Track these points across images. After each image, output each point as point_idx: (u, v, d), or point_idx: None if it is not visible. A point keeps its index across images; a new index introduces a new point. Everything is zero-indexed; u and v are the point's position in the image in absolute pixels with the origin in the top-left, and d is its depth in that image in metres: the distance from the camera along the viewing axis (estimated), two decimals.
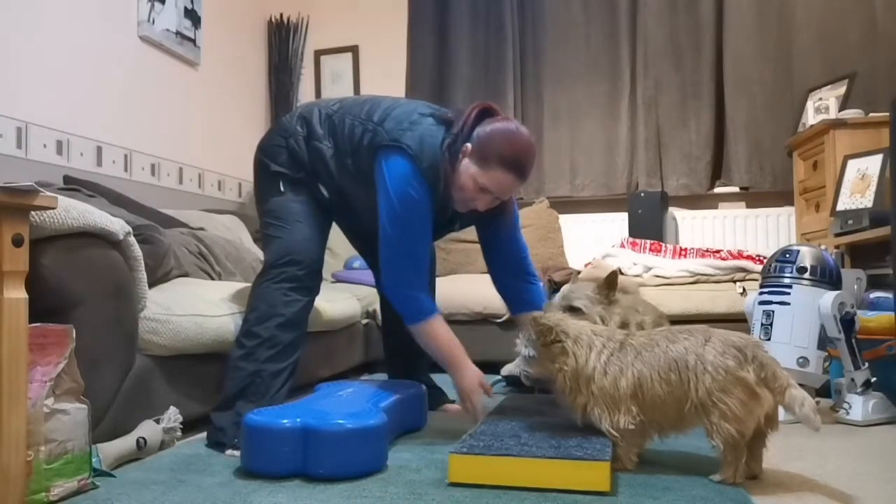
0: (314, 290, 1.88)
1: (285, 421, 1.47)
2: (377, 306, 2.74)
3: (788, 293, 2.05)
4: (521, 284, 2.01)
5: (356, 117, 1.83)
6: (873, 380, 2.02)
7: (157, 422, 1.73)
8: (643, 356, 1.43)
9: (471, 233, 2.13)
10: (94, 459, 1.43)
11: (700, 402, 1.37)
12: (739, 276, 3.01)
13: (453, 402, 2.11)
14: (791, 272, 2.07)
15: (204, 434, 1.80)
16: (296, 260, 1.82)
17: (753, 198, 3.72)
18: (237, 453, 1.66)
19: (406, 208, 1.72)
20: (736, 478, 1.38)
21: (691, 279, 3.03)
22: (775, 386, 1.36)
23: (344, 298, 2.82)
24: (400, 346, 2.23)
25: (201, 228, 2.81)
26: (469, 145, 1.75)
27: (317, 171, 1.89)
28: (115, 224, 1.63)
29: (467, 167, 1.74)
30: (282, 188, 1.90)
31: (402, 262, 1.76)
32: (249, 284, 1.94)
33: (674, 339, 1.43)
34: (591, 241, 3.77)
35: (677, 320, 2.83)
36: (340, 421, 1.46)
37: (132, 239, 1.71)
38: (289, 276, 1.81)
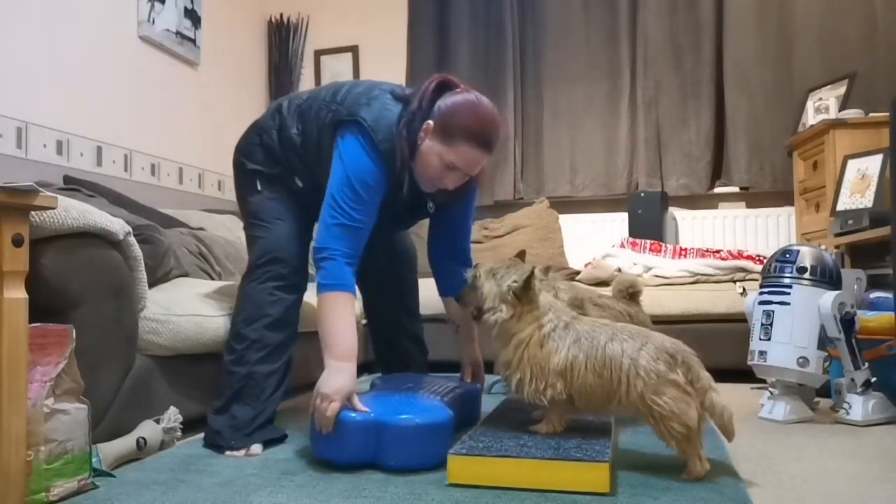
0: (301, 288, 1.86)
1: (354, 414, 1.52)
2: None
3: (788, 293, 2.05)
4: (459, 268, 1.94)
5: (322, 101, 1.82)
6: (873, 380, 2.02)
7: (157, 422, 1.73)
8: (581, 342, 1.49)
9: None
10: (94, 459, 1.43)
11: (633, 405, 1.43)
12: (739, 276, 3.01)
13: None
14: (791, 272, 2.07)
15: (204, 434, 1.79)
16: (279, 258, 1.80)
17: (753, 198, 3.72)
18: (237, 454, 1.66)
19: (358, 175, 1.67)
20: (702, 466, 1.41)
21: (691, 279, 3.03)
22: (698, 387, 1.42)
23: None
24: (391, 345, 2.22)
25: (201, 228, 2.82)
26: (430, 122, 1.69)
27: (291, 163, 1.87)
28: (115, 224, 1.63)
29: (431, 146, 1.69)
30: (258, 186, 1.89)
31: (343, 229, 1.66)
32: None
33: (613, 338, 1.48)
34: (591, 241, 3.76)
35: (678, 320, 2.88)
36: (406, 416, 1.52)
37: (132, 239, 1.71)
38: (274, 275, 1.79)
